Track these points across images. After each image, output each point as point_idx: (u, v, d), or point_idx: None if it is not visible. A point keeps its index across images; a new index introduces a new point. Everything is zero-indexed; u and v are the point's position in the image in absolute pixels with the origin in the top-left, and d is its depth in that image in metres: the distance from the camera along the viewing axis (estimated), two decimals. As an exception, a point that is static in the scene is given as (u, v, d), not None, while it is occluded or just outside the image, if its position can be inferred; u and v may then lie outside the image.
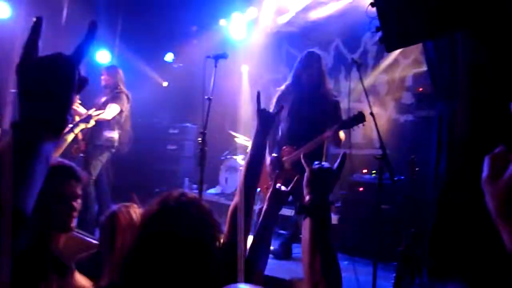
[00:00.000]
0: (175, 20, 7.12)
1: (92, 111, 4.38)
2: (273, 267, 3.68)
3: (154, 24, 7.10)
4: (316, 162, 1.33)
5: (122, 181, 7.15)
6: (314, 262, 1.16)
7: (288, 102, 3.58)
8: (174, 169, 6.94)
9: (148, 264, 0.97)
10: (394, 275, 3.01)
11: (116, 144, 4.77)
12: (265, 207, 1.65)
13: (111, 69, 4.95)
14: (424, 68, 4.72)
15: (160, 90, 7.60)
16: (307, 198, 1.28)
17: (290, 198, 3.63)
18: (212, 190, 6.53)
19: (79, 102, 4.43)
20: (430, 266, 2.90)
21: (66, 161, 1.65)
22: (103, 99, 4.80)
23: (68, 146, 4.35)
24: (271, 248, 3.09)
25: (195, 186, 6.65)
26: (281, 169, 3.62)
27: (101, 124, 4.56)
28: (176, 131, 7.18)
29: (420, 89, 4.44)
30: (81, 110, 4.46)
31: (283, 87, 3.82)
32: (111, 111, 4.60)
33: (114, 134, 4.71)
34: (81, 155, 4.50)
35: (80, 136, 4.46)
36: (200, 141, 3.35)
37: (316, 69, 3.59)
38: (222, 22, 7.07)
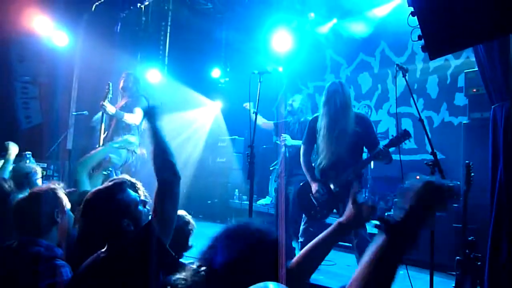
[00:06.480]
0: (221, 36, 7.31)
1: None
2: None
3: (201, 41, 7.34)
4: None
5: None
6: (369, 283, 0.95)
7: (320, 128, 3.76)
8: (224, 181, 7.07)
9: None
10: (452, 285, 2.90)
11: (136, 148, 4.54)
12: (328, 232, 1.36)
13: (131, 74, 4.83)
14: (477, 67, 4.52)
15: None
16: (397, 212, 0.99)
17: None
18: (262, 201, 6.56)
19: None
20: (491, 276, 2.76)
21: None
22: (122, 102, 4.66)
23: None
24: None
25: (245, 197, 6.73)
26: (329, 193, 3.77)
27: (120, 127, 4.49)
28: (224, 144, 7.33)
29: (474, 90, 4.24)
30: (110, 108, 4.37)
31: (315, 116, 3.99)
32: (138, 115, 4.47)
33: (133, 138, 4.47)
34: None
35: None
36: (248, 155, 3.41)
37: (338, 97, 3.69)
38: (267, 35, 7.15)
